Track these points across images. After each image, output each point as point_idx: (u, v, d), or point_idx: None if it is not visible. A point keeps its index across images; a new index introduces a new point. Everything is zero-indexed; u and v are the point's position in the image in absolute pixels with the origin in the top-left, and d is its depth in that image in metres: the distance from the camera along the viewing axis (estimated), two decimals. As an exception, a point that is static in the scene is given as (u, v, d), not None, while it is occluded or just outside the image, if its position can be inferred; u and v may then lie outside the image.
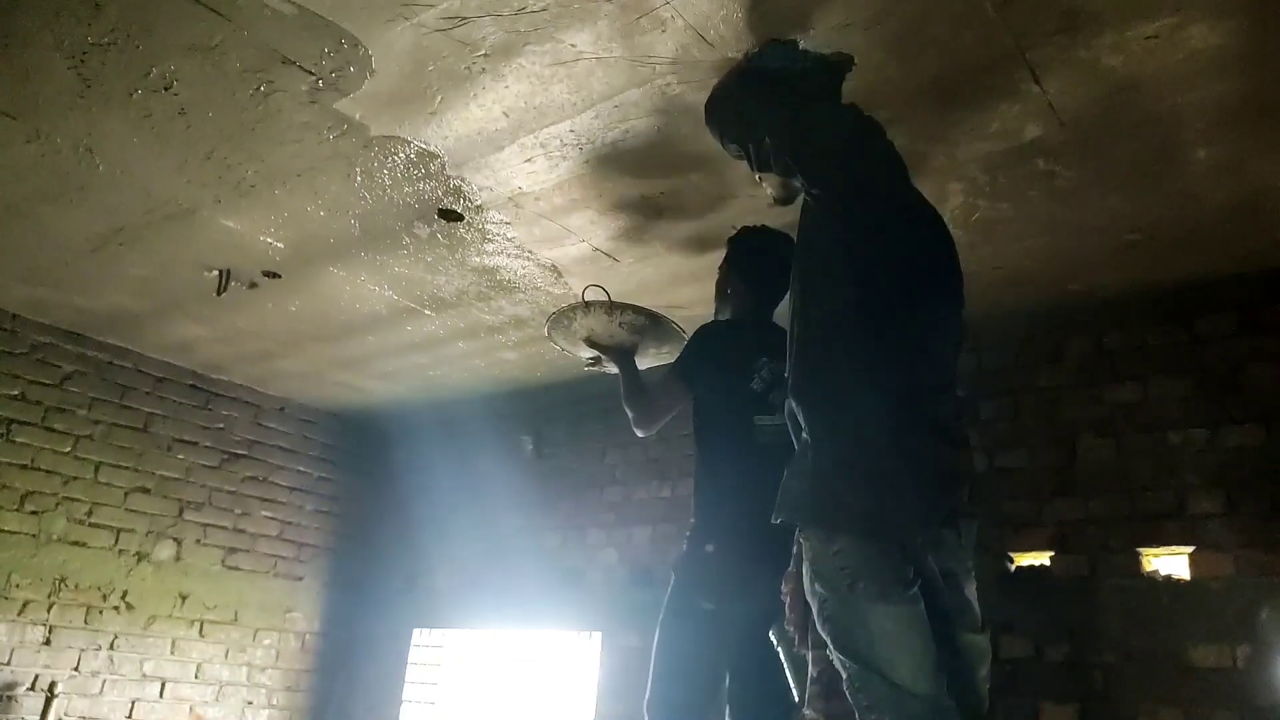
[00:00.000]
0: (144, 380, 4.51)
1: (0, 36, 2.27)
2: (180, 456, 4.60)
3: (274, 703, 4.79)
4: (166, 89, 2.43)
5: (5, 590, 3.95)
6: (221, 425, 4.79)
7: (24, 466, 4.07)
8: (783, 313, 2.77)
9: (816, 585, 1.64)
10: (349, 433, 5.37)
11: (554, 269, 3.38)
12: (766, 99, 2.03)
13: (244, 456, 4.87)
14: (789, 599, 1.86)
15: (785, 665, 2.34)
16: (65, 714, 4.02)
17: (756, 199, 2.83)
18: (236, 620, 4.69)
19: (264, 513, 4.90)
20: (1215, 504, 2.92)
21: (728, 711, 2.54)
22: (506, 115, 2.47)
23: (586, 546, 4.46)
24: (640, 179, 2.77)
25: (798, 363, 1.77)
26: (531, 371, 4.50)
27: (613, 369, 2.89)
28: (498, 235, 3.14)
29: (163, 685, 4.38)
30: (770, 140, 1.90)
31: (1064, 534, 3.14)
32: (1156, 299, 3.19)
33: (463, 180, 2.81)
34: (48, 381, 4.19)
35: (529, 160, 2.68)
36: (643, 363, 2.92)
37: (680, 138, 2.55)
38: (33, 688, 3.95)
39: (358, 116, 2.51)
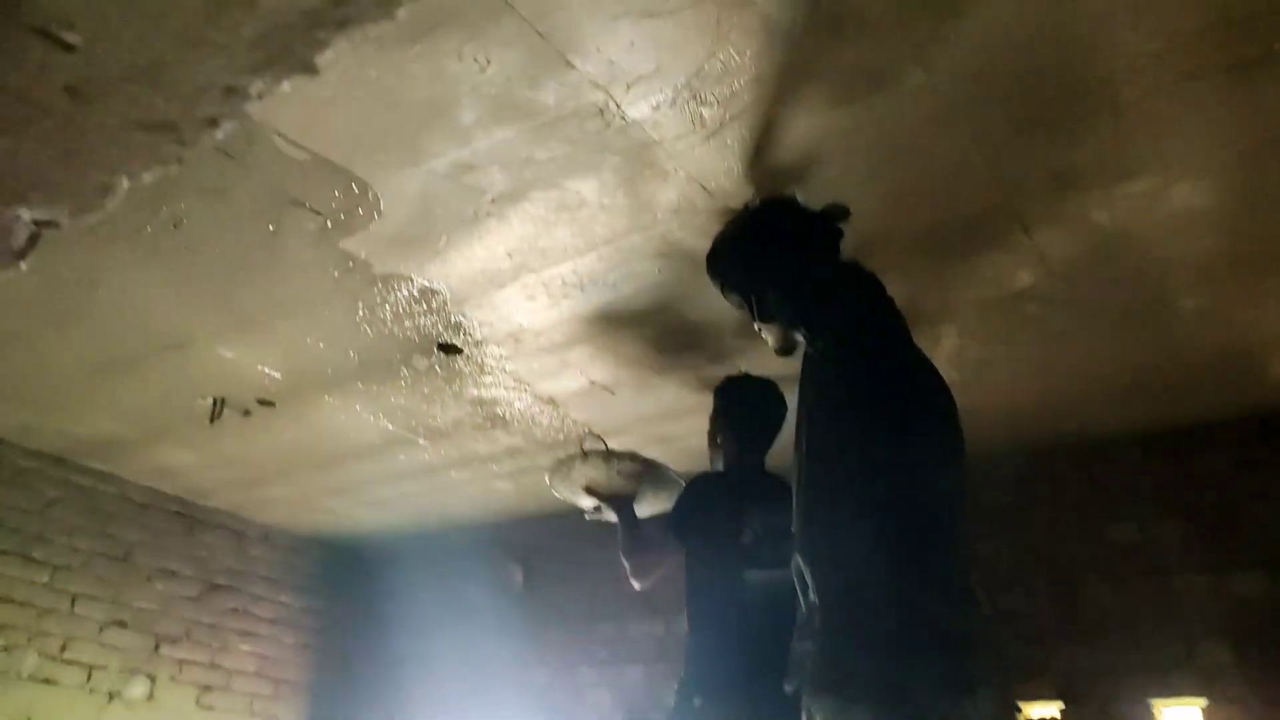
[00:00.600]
0: (128, 507, 4.42)
1: (17, 176, 2.32)
2: (160, 587, 4.46)
3: None
4: (176, 226, 2.47)
5: (-35, 731, 3.76)
6: (204, 553, 4.67)
7: (-2, 598, 3.94)
8: (776, 455, 2.81)
9: None
10: (334, 561, 5.24)
11: (551, 401, 3.38)
12: (768, 251, 2.07)
13: (225, 587, 4.73)
14: None
15: None
16: None
17: (754, 341, 2.86)
18: (207, 763, 4.46)
19: (243, 646, 4.72)
20: (1225, 654, 2.85)
21: None
22: (510, 256, 2.52)
23: (577, 685, 4.29)
24: (639, 317, 2.81)
25: (803, 521, 1.74)
26: (524, 502, 4.44)
27: (613, 518, 2.91)
28: (496, 368, 3.16)
29: (123, 835, 4.11)
30: (772, 292, 1.93)
31: (1072, 683, 3.04)
32: (1151, 439, 3.20)
33: (464, 316, 2.84)
34: (29, 508, 4.10)
35: (531, 298, 2.71)
36: (642, 510, 2.94)
37: (679, 280, 2.60)
38: (-16, 838, 3.71)
39: (363, 255, 2.56)
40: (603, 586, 4.42)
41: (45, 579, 4.09)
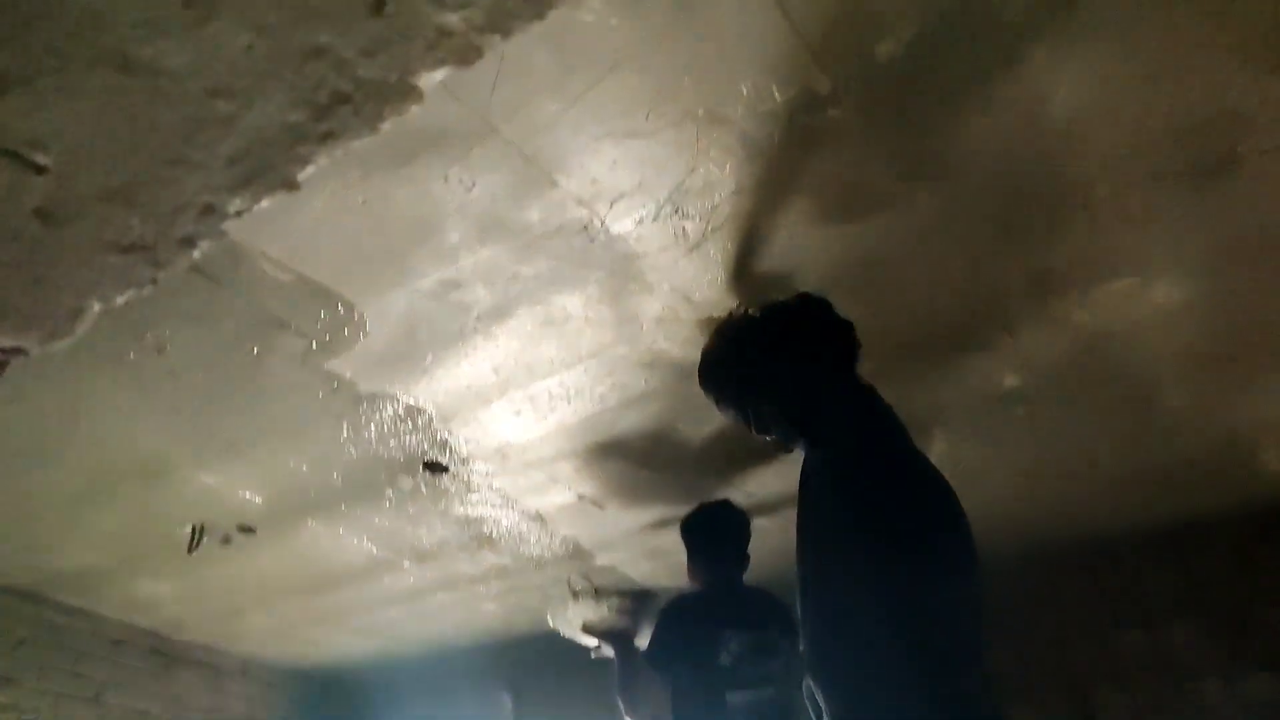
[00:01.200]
0: (100, 644, 4.24)
1: None
2: (130, 728, 4.24)
3: None
4: (159, 352, 2.45)
5: None
6: (179, 690, 4.46)
7: (-43, 746, 3.73)
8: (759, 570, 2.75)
9: None
10: (315, 693, 5.02)
11: (539, 517, 3.32)
12: (763, 364, 2.05)
13: (200, 725, 4.51)
14: None
15: None
16: None
17: (743, 444, 2.84)
18: None
19: (216, 790, 4.47)
20: (1249, 761, 2.74)
21: None
22: (496, 371, 2.51)
23: (571, 822, 4.07)
24: (627, 430, 2.78)
25: (813, 641, 1.67)
26: (512, 623, 4.31)
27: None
28: (482, 485, 3.10)
29: None
30: (769, 407, 1.91)
31: (1092, 799, 2.91)
32: (1151, 539, 3.16)
33: (449, 433, 2.80)
34: (-4, 648, 3.93)
35: (517, 413, 2.69)
36: (644, 641, 2.93)
37: (666, 391, 2.59)
38: None
39: (348, 375, 2.54)
40: (595, 710, 4.24)
41: (10, 724, 3.89)
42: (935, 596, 1.61)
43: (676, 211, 1.99)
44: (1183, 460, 2.82)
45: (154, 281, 1.16)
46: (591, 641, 3.05)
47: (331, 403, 2.65)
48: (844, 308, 2.20)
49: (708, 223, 2.02)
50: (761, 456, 2.92)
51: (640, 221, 2.02)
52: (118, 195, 1.06)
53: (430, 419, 2.73)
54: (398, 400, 2.64)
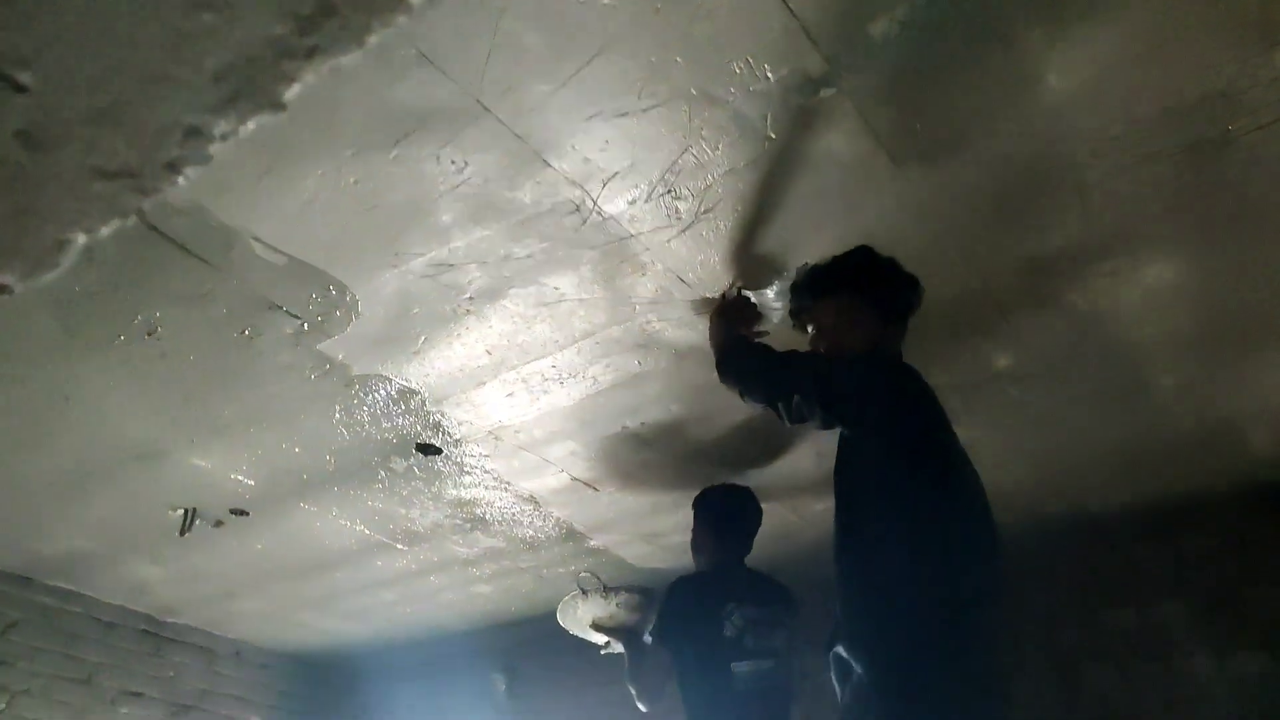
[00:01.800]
0: (93, 627, 4.24)
1: (-13, 288, 2.30)
2: (124, 710, 4.25)
3: None
4: (150, 335, 2.44)
5: None
6: (172, 674, 4.47)
7: (-51, 729, 3.74)
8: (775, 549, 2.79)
9: None
10: (308, 677, 5.03)
11: (533, 500, 3.32)
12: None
13: (193, 708, 4.51)
14: None
15: None
16: None
17: (737, 428, 2.85)
18: None
19: (211, 772, 4.49)
20: (1235, 738, 2.78)
21: None
22: (489, 353, 2.51)
23: (564, 801, 4.10)
24: (620, 411, 2.78)
25: (850, 604, 1.74)
26: (506, 605, 4.32)
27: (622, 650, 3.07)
28: (476, 468, 3.10)
29: None
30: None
31: (1079, 775, 2.94)
32: (1143, 519, 3.18)
33: (443, 415, 2.80)
34: (-11, 631, 3.93)
35: (510, 395, 2.69)
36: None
37: (660, 371, 2.59)
38: None
39: (340, 357, 2.53)
40: (588, 690, 4.27)
41: (2, 706, 3.88)
42: (958, 578, 1.67)
43: (669, 192, 1.99)
44: (1174, 440, 2.84)
45: (139, 212, 1.12)
46: (600, 639, 3.17)
47: (324, 385, 2.64)
48: (837, 288, 2.22)
49: (700, 203, 2.02)
50: (757, 442, 2.93)
51: (633, 202, 2.02)
52: (102, 116, 1.02)
53: (423, 401, 2.73)
54: (390, 382, 2.64)
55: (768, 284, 2.27)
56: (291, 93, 1.09)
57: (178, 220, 2.06)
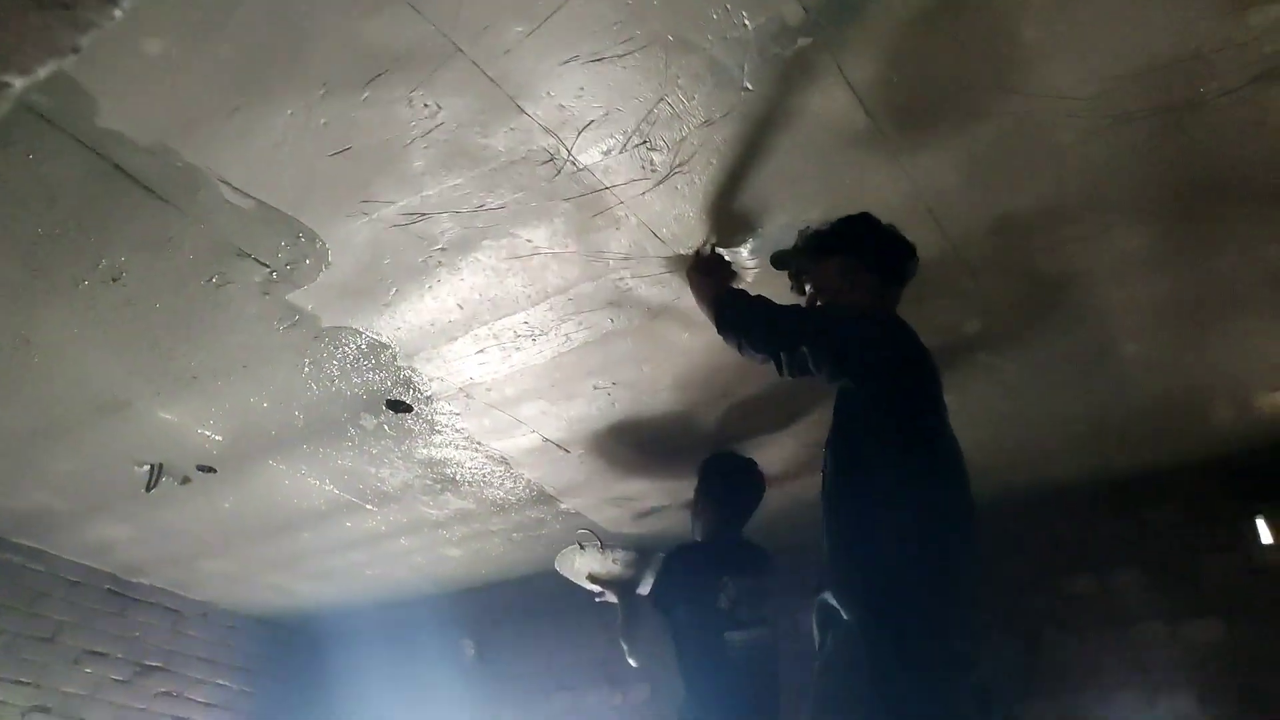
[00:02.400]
0: (57, 585, 4.19)
1: (-53, 227, 2.25)
2: (88, 670, 4.21)
3: None
4: (114, 280, 2.40)
5: None
6: (137, 634, 4.43)
7: (-91, 684, 3.69)
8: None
9: None
10: (276, 640, 5.01)
11: (503, 460, 3.31)
12: (794, 306, 2.07)
13: (159, 669, 4.48)
14: None
15: None
16: None
17: (712, 388, 2.86)
18: None
19: (175, 732, 4.46)
20: (1187, 702, 2.83)
21: None
22: (461, 307, 2.49)
23: (532, 762, 4.12)
24: (592, 370, 2.78)
25: (838, 549, 1.77)
26: (476, 569, 4.31)
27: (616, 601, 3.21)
28: (446, 426, 3.09)
29: None
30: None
31: (1037, 738, 2.99)
32: (1104, 489, 3.22)
33: (413, 371, 2.78)
34: (-51, 588, 3.88)
35: (481, 351, 2.67)
36: (644, 590, 3.20)
37: (633, 330, 2.58)
38: None
39: (310, 308, 2.50)
40: (558, 655, 4.29)
41: (-37, 662, 3.85)
42: (949, 527, 1.75)
43: (644, 143, 1.98)
44: (1138, 411, 2.88)
45: (75, 51, 1.06)
46: (595, 589, 3.28)
47: (292, 336, 2.61)
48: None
49: (676, 155, 2.01)
50: (732, 405, 2.93)
51: (607, 152, 2.00)
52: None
53: (394, 355, 2.71)
54: (360, 335, 2.62)
55: (741, 242, 2.26)
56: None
57: (143, 159, 2.02)
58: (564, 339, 2.62)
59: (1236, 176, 2.02)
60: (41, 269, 2.35)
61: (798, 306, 2.10)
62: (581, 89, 1.85)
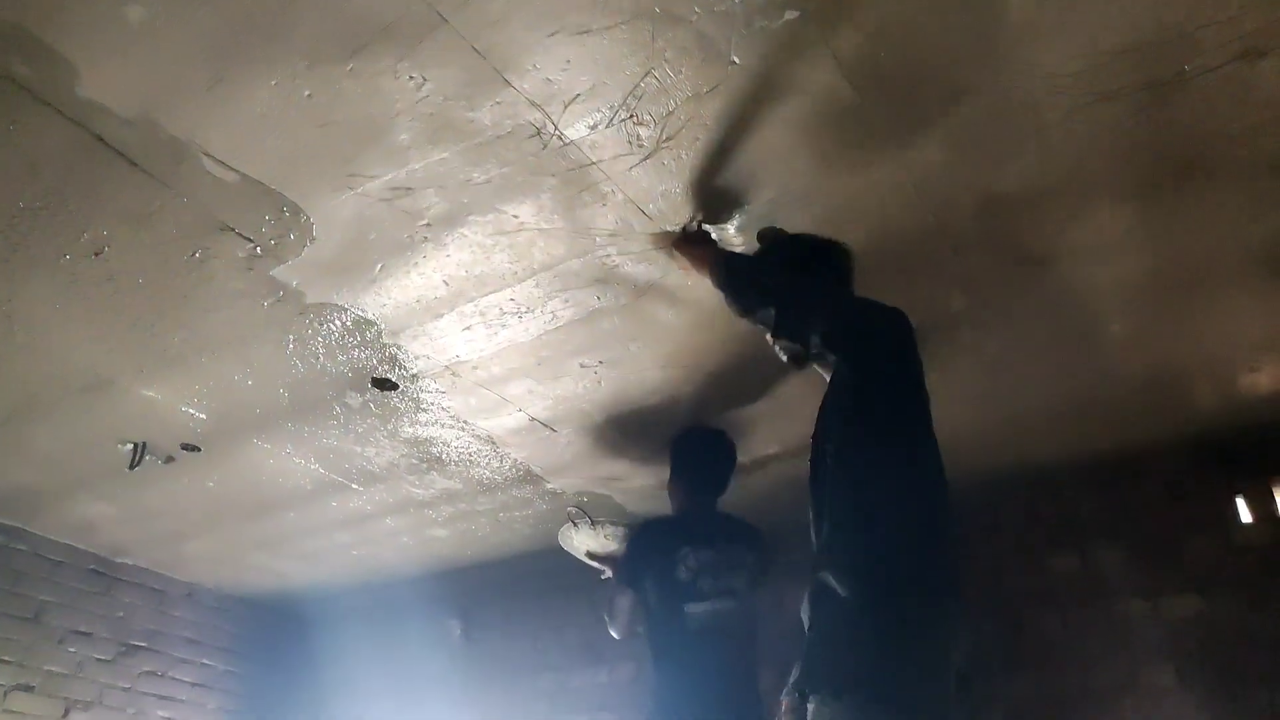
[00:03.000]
0: (39, 565, 4.17)
1: (-75, 200, 2.22)
2: (72, 649, 4.20)
3: None
4: (97, 254, 2.38)
5: None
6: (121, 614, 4.42)
7: (-109, 663, 3.67)
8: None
9: None
10: (261, 620, 5.01)
11: (490, 440, 3.31)
12: (791, 273, 2.09)
13: (143, 649, 4.47)
14: None
15: None
16: None
17: (698, 367, 2.86)
18: (119, 841, 4.16)
19: (160, 712, 4.45)
20: (1167, 676, 2.87)
21: None
22: (447, 283, 2.48)
23: (517, 741, 4.14)
24: (578, 348, 2.77)
25: (838, 532, 1.78)
26: (462, 549, 4.31)
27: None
28: (432, 405, 3.08)
29: None
30: (797, 309, 1.97)
31: (1018, 712, 3.02)
32: (1087, 469, 3.25)
33: (399, 348, 2.77)
34: (-69, 567, 3.85)
35: (468, 328, 2.67)
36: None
37: (619, 309, 2.58)
38: None
39: (294, 284, 2.49)
40: (544, 636, 4.30)
41: (-55, 641, 3.83)
42: (927, 519, 1.79)
43: (631, 117, 1.97)
44: (1121, 390, 2.89)
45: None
46: (596, 566, 3.30)
47: (277, 313, 2.60)
48: (795, 221, 2.23)
49: (663, 129, 2.00)
50: (719, 384, 2.94)
51: (594, 127, 2.00)
52: None
53: (379, 332, 2.70)
54: (345, 312, 2.61)
55: (728, 218, 2.27)
56: None
57: (125, 131, 2.00)
58: (550, 316, 2.62)
59: (1218, 154, 2.03)
60: (23, 243, 2.33)
61: (807, 277, 2.13)
62: (568, 62, 1.84)
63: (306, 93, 1.90)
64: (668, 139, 2.03)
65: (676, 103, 1.94)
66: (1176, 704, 2.82)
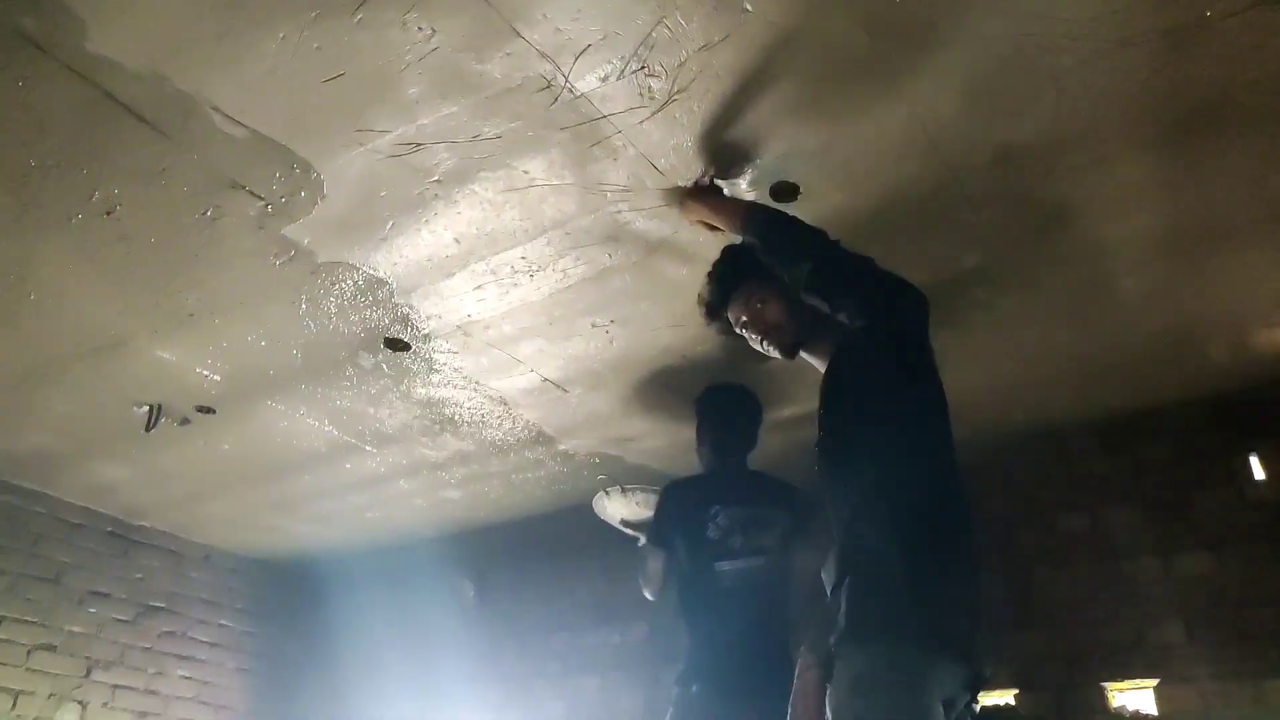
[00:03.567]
0: (59, 527, 4.23)
1: (-63, 159, 2.22)
2: (92, 610, 4.27)
3: None
4: (108, 213, 2.38)
5: (-122, 765, 3.53)
6: (140, 575, 4.48)
7: (-84, 622, 3.74)
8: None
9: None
10: (277, 582, 5.07)
11: (502, 400, 3.32)
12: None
13: (162, 610, 4.55)
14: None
15: None
16: None
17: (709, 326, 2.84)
18: (143, 796, 4.25)
19: (180, 672, 4.53)
20: (1175, 634, 2.88)
21: None
22: (458, 241, 2.48)
23: (533, 699, 4.19)
24: (590, 307, 2.77)
25: (852, 508, 1.81)
26: (475, 511, 4.35)
27: None
28: (445, 365, 3.09)
29: None
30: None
31: (1027, 670, 3.04)
32: (1099, 427, 3.24)
33: (411, 308, 2.77)
34: (-48, 529, 3.91)
35: (479, 287, 2.67)
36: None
37: (630, 266, 2.57)
38: None
39: (306, 242, 2.49)
40: (557, 597, 4.34)
41: (-32, 600, 3.89)
42: (939, 479, 1.84)
43: (643, 68, 1.95)
44: (1134, 348, 2.88)
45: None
46: (631, 533, 3.32)
47: (289, 272, 2.60)
48: (809, 176, 2.22)
49: (674, 81, 1.98)
50: (730, 342, 2.92)
51: (605, 79, 1.98)
52: None
53: (391, 292, 2.70)
54: (357, 271, 2.61)
55: (740, 173, 2.25)
56: None
57: (134, 87, 1.99)
58: (561, 275, 2.61)
59: (1236, 103, 1.99)
60: (34, 201, 2.33)
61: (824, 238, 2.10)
62: (579, 11, 1.82)
63: (315, 45, 1.89)
64: (679, 91, 2.01)
65: (688, 53, 1.91)
66: (1187, 661, 2.82)
